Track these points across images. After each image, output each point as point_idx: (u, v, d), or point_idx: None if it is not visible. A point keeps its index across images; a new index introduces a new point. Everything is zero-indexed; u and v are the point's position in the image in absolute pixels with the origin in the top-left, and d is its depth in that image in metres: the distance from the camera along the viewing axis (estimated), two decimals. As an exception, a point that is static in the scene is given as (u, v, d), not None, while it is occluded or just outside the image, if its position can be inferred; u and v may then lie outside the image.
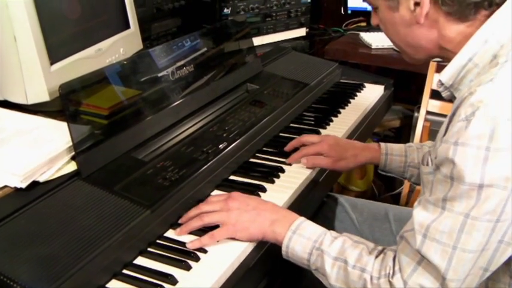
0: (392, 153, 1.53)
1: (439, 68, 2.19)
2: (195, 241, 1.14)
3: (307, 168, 1.47)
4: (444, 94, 1.14)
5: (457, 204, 0.95)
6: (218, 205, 1.20)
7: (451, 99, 1.15)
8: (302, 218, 1.18)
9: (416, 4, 1.07)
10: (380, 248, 1.10)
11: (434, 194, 1.00)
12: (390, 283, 1.02)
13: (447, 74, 1.10)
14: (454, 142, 0.95)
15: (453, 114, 0.98)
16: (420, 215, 1.01)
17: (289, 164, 1.48)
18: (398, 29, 1.14)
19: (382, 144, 1.55)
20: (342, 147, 1.51)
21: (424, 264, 0.99)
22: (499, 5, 1.04)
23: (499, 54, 1.01)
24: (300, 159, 1.47)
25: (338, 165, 1.50)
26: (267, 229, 1.17)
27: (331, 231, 1.15)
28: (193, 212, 1.21)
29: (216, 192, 1.35)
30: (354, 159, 1.51)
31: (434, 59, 2.08)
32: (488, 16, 1.04)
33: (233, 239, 1.17)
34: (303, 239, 1.14)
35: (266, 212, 1.19)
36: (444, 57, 1.14)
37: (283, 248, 1.16)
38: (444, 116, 2.27)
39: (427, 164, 1.15)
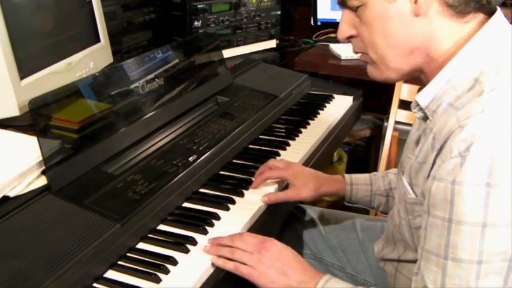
0: (358, 183, 1.52)
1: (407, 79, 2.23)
2: (220, 260, 1.16)
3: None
4: (418, 115, 1.11)
5: (460, 252, 0.92)
6: (251, 247, 1.18)
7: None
8: (328, 276, 1.16)
9: None
10: None
11: (430, 240, 0.97)
12: None
13: (425, 97, 1.06)
14: (451, 181, 0.91)
15: (441, 147, 0.95)
16: (429, 275, 0.97)
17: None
18: (390, 25, 1.04)
19: (347, 175, 1.54)
20: (306, 177, 1.48)
21: None
22: (491, 14, 1.02)
23: (481, 79, 0.97)
24: (262, 183, 1.46)
25: (299, 196, 1.46)
26: None
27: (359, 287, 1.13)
28: (226, 241, 1.19)
29: (186, 204, 1.36)
30: (317, 189, 1.47)
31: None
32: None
33: (204, 250, 1.18)
34: None
35: (294, 272, 1.16)
36: (423, 74, 1.10)
37: None
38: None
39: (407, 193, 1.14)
